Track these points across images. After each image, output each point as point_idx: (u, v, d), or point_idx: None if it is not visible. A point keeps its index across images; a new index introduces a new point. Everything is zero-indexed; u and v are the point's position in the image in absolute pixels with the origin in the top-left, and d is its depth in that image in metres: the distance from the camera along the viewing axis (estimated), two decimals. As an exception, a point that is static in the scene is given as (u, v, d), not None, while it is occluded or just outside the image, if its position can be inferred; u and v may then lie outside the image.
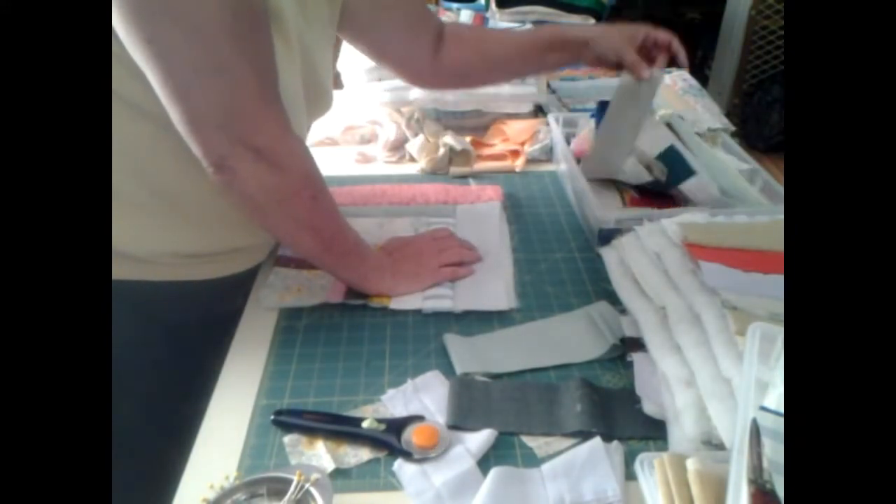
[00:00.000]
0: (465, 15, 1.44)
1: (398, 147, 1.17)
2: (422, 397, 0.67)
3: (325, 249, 0.77)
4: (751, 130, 2.94)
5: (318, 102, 0.86)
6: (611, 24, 0.96)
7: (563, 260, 0.90)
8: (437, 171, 1.11)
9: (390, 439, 0.61)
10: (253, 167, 0.67)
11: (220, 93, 0.64)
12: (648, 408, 0.64)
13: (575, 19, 2.39)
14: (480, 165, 1.13)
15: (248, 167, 0.67)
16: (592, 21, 2.39)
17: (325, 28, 0.82)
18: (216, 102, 0.64)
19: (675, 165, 0.91)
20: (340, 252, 0.78)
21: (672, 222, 0.78)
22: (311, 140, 1.23)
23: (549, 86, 1.34)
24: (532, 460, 0.61)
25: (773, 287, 0.67)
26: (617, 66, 0.91)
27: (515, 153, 1.16)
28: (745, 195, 0.92)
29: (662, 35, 0.91)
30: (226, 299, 0.84)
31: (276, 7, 0.70)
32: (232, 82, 0.63)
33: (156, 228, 0.75)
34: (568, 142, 1.06)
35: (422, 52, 0.94)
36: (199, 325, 0.83)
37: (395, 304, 0.80)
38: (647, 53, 0.90)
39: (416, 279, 0.82)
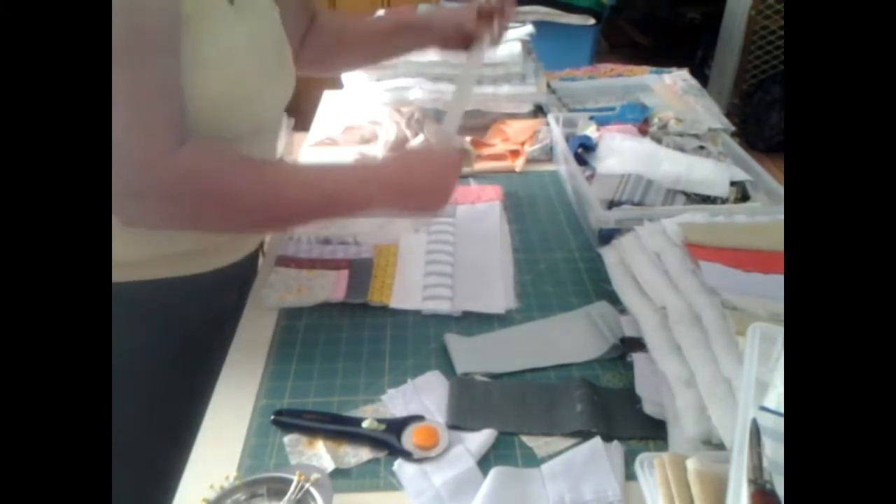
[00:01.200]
0: (465, 15, 1.44)
1: (398, 147, 1.17)
2: (422, 397, 0.67)
3: (294, 222, 0.74)
4: (751, 130, 2.94)
5: (286, 68, 0.83)
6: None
7: (563, 260, 0.90)
8: (437, 171, 1.11)
9: (390, 439, 0.61)
10: (158, 212, 0.66)
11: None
12: (648, 408, 0.64)
13: (575, 19, 2.40)
14: (480, 165, 1.13)
15: (156, 216, 0.66)
16: (592, 21, 2.40)
17: None
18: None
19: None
20: (313, 215, 0.73)
21: (672, 222, 0.78)
22: (311, 140, 1.23)
23: (549, 86, 1.34)
24: (532, 460, 0.61)
25: (773, 287, 0.67)
26: (463, 45, 0.97)
27: (515, 153, 1.16)
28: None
29: (494, 1, 0.98)
30: (223, 292, 0.84)
31: None
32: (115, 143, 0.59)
33: (139, 233, 0.73)
34: (567, 142, 1.06)
35: (295, 36, 0.92)
36: (198, 324, 0.83)
37: (395, 303, 0.80)
38: (485, 22, 0.96)
39: (424, 207, 0.75)
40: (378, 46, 1.01)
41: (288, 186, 0.70)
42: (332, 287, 0.81)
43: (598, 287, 0.83)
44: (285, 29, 0.84)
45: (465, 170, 1.11)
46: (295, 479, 0.53)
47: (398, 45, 1.03)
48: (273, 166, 0.71)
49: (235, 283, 0.86)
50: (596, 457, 0.59)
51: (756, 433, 0.49)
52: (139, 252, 0.75)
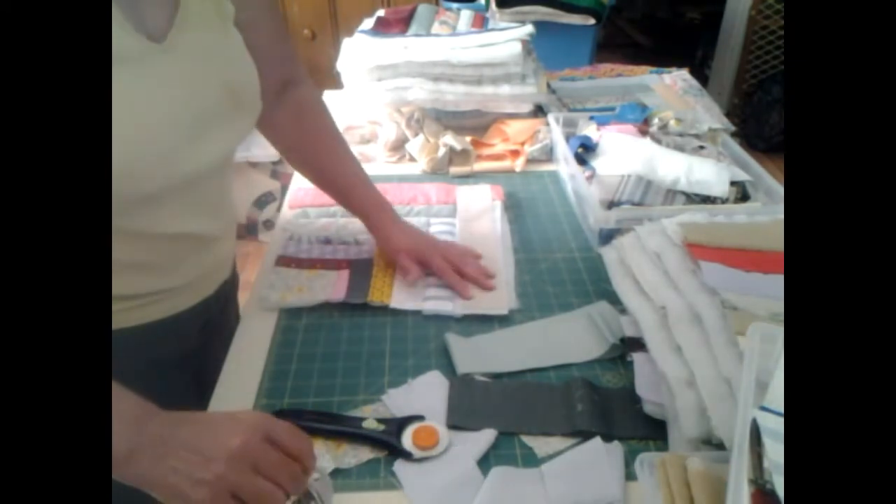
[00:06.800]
0: (465, 15, 1.44)
1: (398, 147, 1.17)
2: (422, 397, 0.67)
3: None
4: (751, 130, 2.95)
5: (244, 103, 0.70)
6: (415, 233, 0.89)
7: (563, 260, 0.90)
8: (437, 171, 1.11)
9: (390, 439, 0.61)
10: None
11: None
12: (648, 408, 0.64)
13: (575, 19, 2.40)
14: (480, 165, 1.13)
15: None
16: (592, 21, 2.40)
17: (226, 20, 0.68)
18: None
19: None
20: None
21: (672, 222, 0.78)
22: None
23: (549, 86, 1.34)
24: (532, 460, 0.61)
25: (773, 287, 0.67)
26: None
27: (515, 153, 1.16)
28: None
29: (437, 262, 0.83)
30: (188, 333, 0.76)
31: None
32: None
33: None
34: (568, 142, 1.06)
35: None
36: (179, 357, 0.76)
37: (396, 303, 0.80)
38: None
39: (179, 474, 0.49)
40: (332, 190, 0.91)
41: None
42: (332, 287, 0.81)
43: (598, 287, 0.83)
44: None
45: (465, 170, 1.11)
46: (295, 479, 0.53)
47: (346, 207, 0.91)
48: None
49: (200, 319, 0.77)
50: (596, 457, 0.59)
51: (756, 433, 0.49)
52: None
